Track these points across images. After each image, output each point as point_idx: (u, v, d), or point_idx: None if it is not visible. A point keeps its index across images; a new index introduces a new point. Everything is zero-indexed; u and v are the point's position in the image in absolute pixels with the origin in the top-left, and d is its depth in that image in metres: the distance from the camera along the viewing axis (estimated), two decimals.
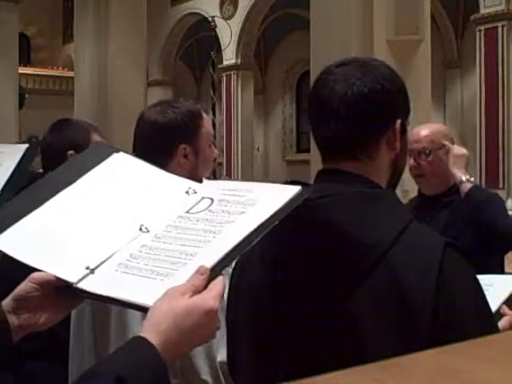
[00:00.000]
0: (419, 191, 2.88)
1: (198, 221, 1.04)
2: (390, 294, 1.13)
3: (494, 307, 1.66)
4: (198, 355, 1.56)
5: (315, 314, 1.20)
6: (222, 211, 1.04)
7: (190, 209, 1.08)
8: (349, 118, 1.23)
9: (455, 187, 2.77)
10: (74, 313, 1.75)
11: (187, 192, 1.12)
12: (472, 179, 2.67)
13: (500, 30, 11.98)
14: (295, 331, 1.23)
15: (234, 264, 1.43)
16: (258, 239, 0.98)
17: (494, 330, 1.23)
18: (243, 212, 1.02)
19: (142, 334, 0.87)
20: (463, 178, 2.64)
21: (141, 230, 1.06)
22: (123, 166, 1.20)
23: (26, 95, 12.03)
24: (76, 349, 1.78)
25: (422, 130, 2.79)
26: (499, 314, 1.79)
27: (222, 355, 1.58)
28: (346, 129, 1.23)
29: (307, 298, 1.20)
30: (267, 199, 1.03)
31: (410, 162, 2.74)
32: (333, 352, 1.16)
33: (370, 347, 1.13)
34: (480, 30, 12.28)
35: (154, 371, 0.85)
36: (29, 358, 1.91)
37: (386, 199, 1.24)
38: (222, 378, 1.59)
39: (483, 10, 12.40)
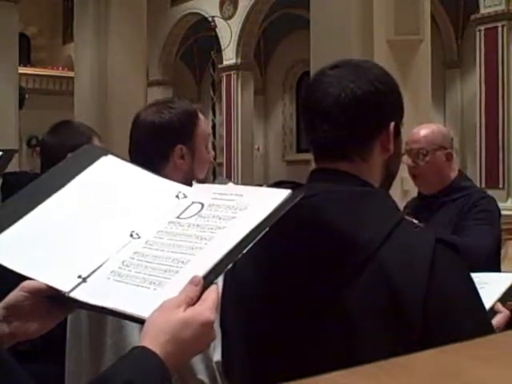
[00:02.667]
0: (419, 191, 2.89)
1: (188, 226, 1.03)
2: (381, 292, 1.14)
3: (488, 304, 1.67)
4: None
5: (307, 312, 1.20)
6: (213, 216, 1.03)
7: (180, 214, 1.06)
8: (342, 120, 1.24)
9: (451, 187, 2.78)
10: (70, 315, 1.75)
11: (177, 196, 1.10)
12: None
13: (500, 30, 11.96)
14: (287, 330, 1.23)
15: None
16: (250, 246, 0.96)
17: (487, 324, 1.23)
18: (234, 217, 1.01)
19: (142, 345, 0.87)
20: None
21: (131, 236, 1.05)
22: (112, 170, 1.18)
23: (26, 95, 12.02)
24: (73, 347, 1.78)
25: (421, 130, 2.80)
26: (493, 311, 1.80)
27: (218, 355, 1.58)
28: (340, 130, 1.24)
29: (298, 296, 1.21)
30: (257, 204, 1.02)
31: (408, 161, 2.74)
32: (326, 350, 1.16)
33: (363, 345, 1.13)
34: (480, 30, 12.27)
35: (162, 377, 0.85)
36: (24, 359, 1.90)
37: (378, 197, 1.24)
38: (219, 378, 1.59)
39: (483, 10, 12.38)
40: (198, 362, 1.57)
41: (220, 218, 1.02)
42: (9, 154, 1.67)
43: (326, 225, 1.18)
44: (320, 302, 1.18)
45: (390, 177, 1.33)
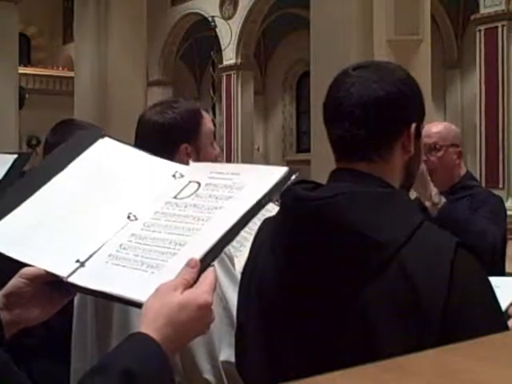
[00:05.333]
0: None
1: (185, 207, 1.03)
2: (401, 293, 1.14)
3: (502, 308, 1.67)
4: (200, 354, 1.56)
5: (327, 311, 1.20)
6: (210, 196, 1.03)
7: (177, 194, 1.06)
8: (364, 120, 1.24)
9: (459, 185, 2.78)
10: (76, 308, 1.75)
11: (174, 176, 1.10)
12: (437, 200, 2.60)
13: (500, 30, 11.97)
14: (306, 330, 1.23)
15: (244, 263, 1.43)
16: (247, 225, 0.97)
17: (505, 328, 1.23)
18: (230, 197, 1.01)
19: (140, 330, 0.87)
20: (434, 200, 2.60)
21: (129, 218, 1.04)
22: (109, 152, 1.18)
23: (26, 95, 12.04)
24: (79, 344, 1.77)
25: (434, 127, 2.82)
26: (507, 315, 1.80)
27: (224, 354, 1.57)
28: (361, 130, 1.24)
29: (318, 296, 1.21)
30: (254, 182, 1.02)
31: None
32: (344, 349, 1.17)
33: (382, 344, 1.14)
34: (480, 30, 12.28)
35: (160, 363, 0.85)
36: (27, 355, 1.90)
37: (399, 199, 1.24)
38: (225, 378, 1.59)
39: (483, 10, 12.39)
40: (204, 362, 1.57)
41: (217, 198, 1.02)
42: (24, 157, 1.69)
43: (347, 225, 1.18)
44: (340, 300, 1.19)
45: (410, 177, 1.33)
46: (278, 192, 1.01)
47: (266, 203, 0.99)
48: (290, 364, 1.26)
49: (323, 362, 1.15)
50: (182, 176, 1.10)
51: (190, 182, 1.08)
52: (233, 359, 1.53)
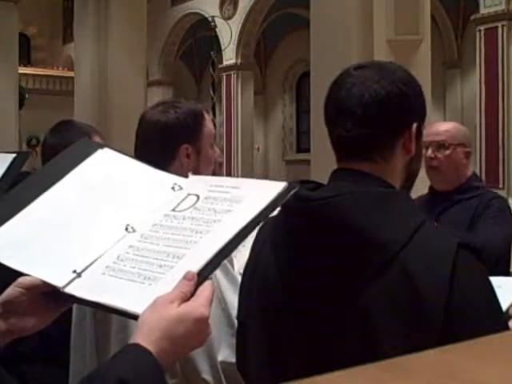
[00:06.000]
0: (430, 188, 2.89)
1: (184, 219, 1.03)
2: (402, 293, 1.14)
3: (503, 308, 1.67)
4: (198, 355, 1.56)
5: (327, 311, 1.20)
6: (208, 209, 1.03)
7: (176, 206, 1.06)
8: (365, 120, 1.24)
9: (466, 185, 2.78)
10: (75, 311, 1.75)
11: (173, 188, 1.10)
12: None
13: (500, 30, 11.96)
14: (307, 329, 1.24)
15: (243, 263, 1.44)
16: (245, 239, 0.97)
17: (505, 329, 1.24)
18: (229, 210, 1.01)
19: (136, 342, 0.87)
20: None
21: (127, 229, 1.04)
22: (108, 163, 1.18)
23: (26, 95, 12.03)
24: (78, 347, 1.77)
25: (444, 125, 2.83)
26: (507, 315, 1.80)
27: (222, 354, 1.58)
28: (362, 130, 1.25)
29: (319, 296, 1.21)
30: (253, 196, 1.01)
31: (428, 153, 2.73)
32: (345, 349, 1.17)
33: (382, 345, 1.14)
34: (480, 30, 12.27)
35: (156, 375, 0.85)
36: (23, 362, 1.89)
37: (400, 199, 1.24)
38: (223, 378, 1.59)
39: (483, 10, 12.39)
40: (202, 362, 1.57)
41: (215, 211, 1.02)
42: (22, 156, 1.69)
43: (348, 225, 1.18)
44: (341, 300, 1.19)
45: (410, 178, 1.33)
46: (277, 206, 1.00)
47: (265, 217, 0.98)
48: (290, 364, 1.27)
49: (323, 362, 1.15)
50: (181, 188, 1.09)
51: (188, 194, 1.07)
52: (231, 359, 1.53)
